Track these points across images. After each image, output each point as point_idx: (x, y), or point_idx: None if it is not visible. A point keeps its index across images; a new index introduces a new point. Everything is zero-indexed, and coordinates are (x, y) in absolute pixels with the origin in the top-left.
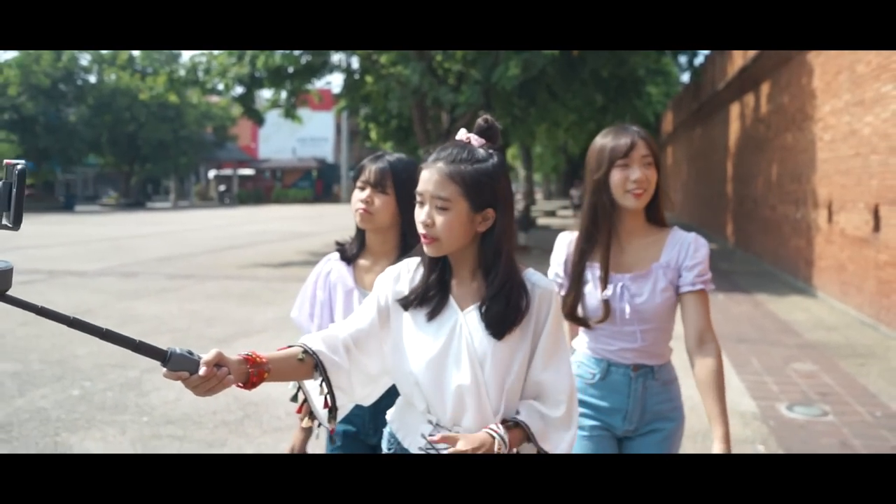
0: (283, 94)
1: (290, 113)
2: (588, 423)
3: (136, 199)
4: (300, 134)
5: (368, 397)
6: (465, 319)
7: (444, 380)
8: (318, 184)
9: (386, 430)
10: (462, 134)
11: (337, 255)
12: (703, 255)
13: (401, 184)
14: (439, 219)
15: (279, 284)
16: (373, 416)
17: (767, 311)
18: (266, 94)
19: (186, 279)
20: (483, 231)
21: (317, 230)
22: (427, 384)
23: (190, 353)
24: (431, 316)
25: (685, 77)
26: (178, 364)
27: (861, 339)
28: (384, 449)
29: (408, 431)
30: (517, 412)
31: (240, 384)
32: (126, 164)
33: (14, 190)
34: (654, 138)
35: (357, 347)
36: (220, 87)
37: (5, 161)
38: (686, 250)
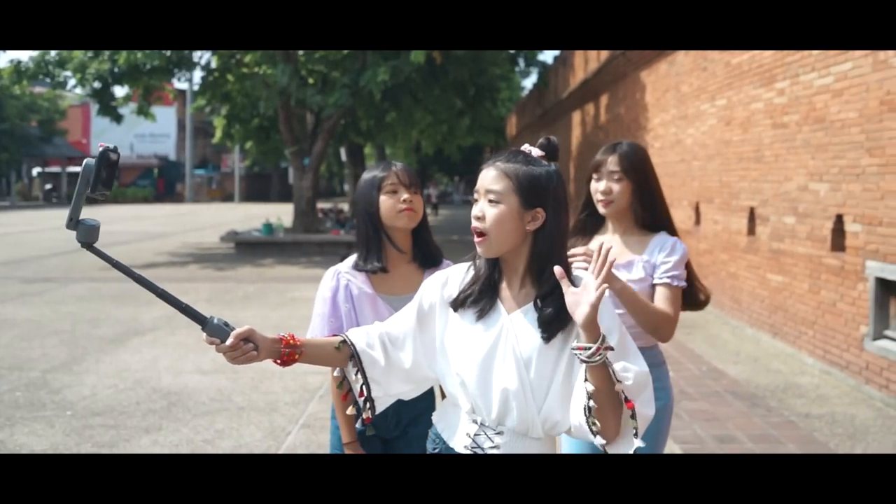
0: (123, 92)
1: (143, 110)
2: None
3: None
4: (138, 130)
5: (408, 394)
6: (511, 322)
7: (490, 381)
8: (160, 182)
9: (431, 431)
10: (525, 147)
11: (343, 266)
12: (678, 255)
13: (419, 183)
14: (490, 211)
15: None
16: (395, 410)
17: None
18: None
19: (46, 282)
20: (533, 231)
21: (170, 230)
22: (473, 385)
23: (226, 324)
24: (479, 317)
25: (526, 82)
26: (214, 331)
27: (687, 314)
28: (428, 449)
29: (452, 431)
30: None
31: (276, 360)
32: None
33: (98, 166)
34: (504, 141)
35: (393, 345)
36: (73, 81)
37: (100, 144)
38: (664, 250)
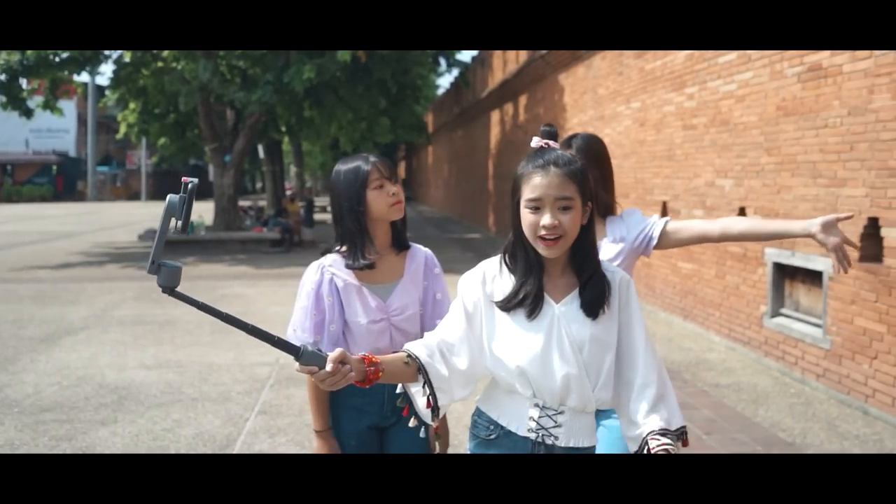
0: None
1: (49, 104)
2: None
3: None
4: (34, 124)
5: (466, 395)
6: (561, 312)
7: (551, 370)
8: (59, 180)
9: (478, 419)
10: (537, 142)
11: (327, 261)
12: (639, 214)
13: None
14: (565, 218)
15: (73, 285)
16: (391, 397)
17: None
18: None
19: None
20: (584, 223)
21: (78, 230)
22: (535, 374)
23: (319, 350)
24: (531, 315)
25: (441, 81)
26: (310, 359)
27: None
28: (483, 436)
29: (513, 416)
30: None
31: (358, 381)
32: None
33: (186, 203)
34: (427, 139)
35: (450, 353)
36: None
37: (183, 178)
38: (626, 222)
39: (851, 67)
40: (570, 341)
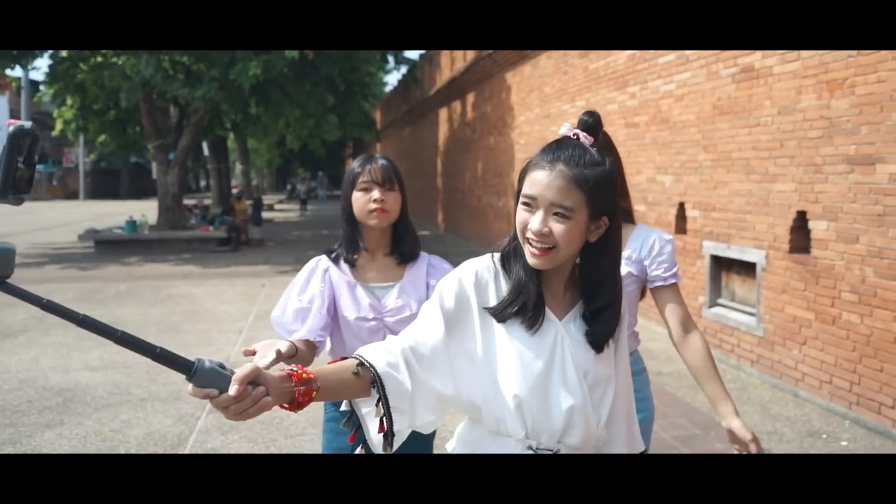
0: None
1: None
2: None
3: None
4: None
5: (432, 424)
6: (564, 330)
7: (552, 400)
8: None
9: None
10: (567, 129)
11: (321, 257)
12: (669, 250)
13: (401, 179)
14: (558, 227)
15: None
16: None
17: None
18: None
19: None
20: (594, 241)
21: (12, 230)
22: (533, 407)
23: (221, 366)
24: (530, 328)
25: (388, 78)
26: (206, 380)
27: None
28: None
29: None
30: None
31: (285, 405)
32: None
33: (4, 154)
34: (376, 136)
35: (420, 364)
36: None
37: (7, 121)
38: (651, 246)
39: (781, 69)
40: (576, 365)
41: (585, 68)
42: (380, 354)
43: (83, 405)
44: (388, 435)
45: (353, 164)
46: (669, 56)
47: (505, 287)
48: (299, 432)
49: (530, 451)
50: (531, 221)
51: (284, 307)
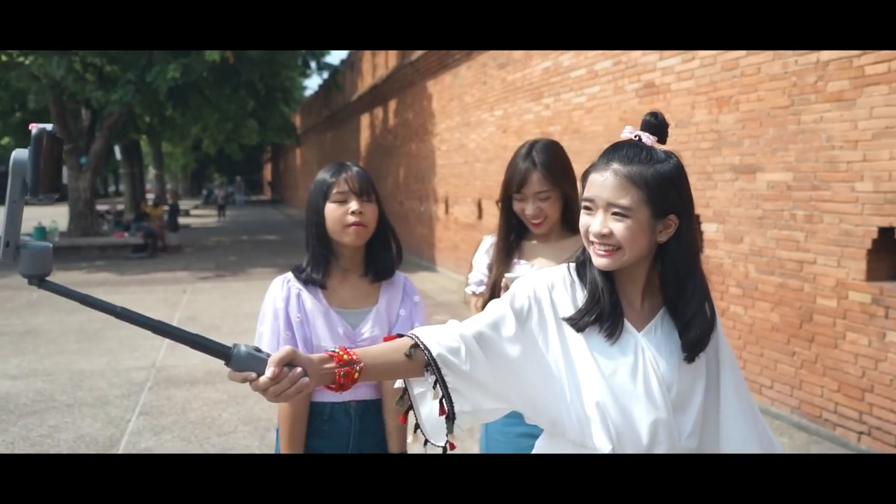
0: None
1: None
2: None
3: None
4: None
5: (496, 412)
6: (645, 342)
7: (636, 413)
8: None
9: None
10: (628, 132)
11: (289, 277)
12: None
13: (376, 189)
14: (618, 227)
15: None
16: (356, 442)
17: None
18: None
19: None
20: (664, 242)
21: None
22: (616, 417)
23: (257, 350)
24: (609, 338)
25: (308, 83)
26: (244, 363)
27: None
28: None
29: None
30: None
31: (330, 386)
32: None
33: (34, 156)
34: (297, 141)
35: (487, 355)
36: None
37: (31, 125)
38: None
39: (677, 86)
40: (658, 378)
41: (504, 79)
42: (437, 337)
43: (6, 413)
44: (450, 418)
45: (323, 174)
46: (580, 71)
47: (581, 297)
48: (231, 430)
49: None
50: (592, 224)
51: (271, 347)
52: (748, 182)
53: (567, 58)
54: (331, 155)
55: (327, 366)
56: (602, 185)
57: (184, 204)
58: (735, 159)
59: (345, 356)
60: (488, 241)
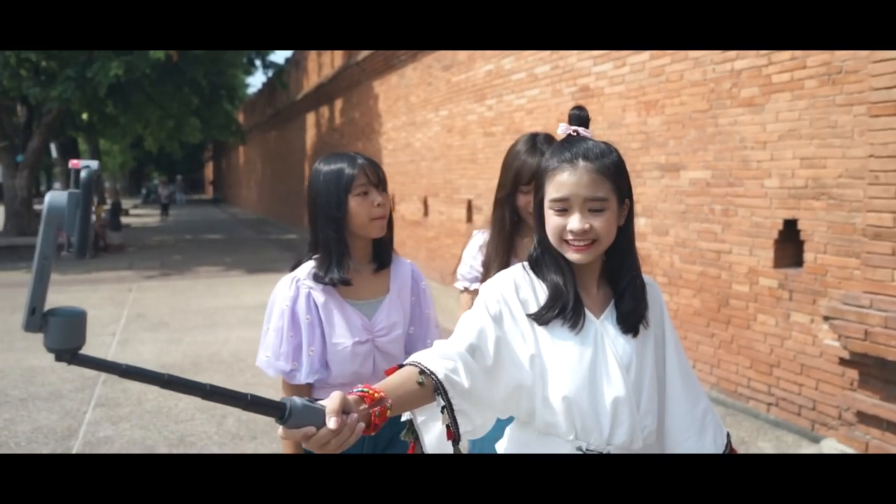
0: None
1: None
2: None
3: None
4: None
5: (482, 428)
6: (603, 328)
7: (599, 396)
8: None
9: None
10: (564, 129)
11: (301, 273)
12: None
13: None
14: (597, 221)
15: None
16: (373, 445)
17: None
18: None
19: None
20: (621, 225)
21: None
22: (583, 404)
23: (311, 401)
24: (573, 328)
25: (251, 80)
26: (302, 418)
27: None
28: None
29: None
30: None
31: (366, 430)
32: None
33: (81, 205)
34: (241, 139)
35: (481, 366)
36: None
37: (72, 163)
38: None
39: (610, 90)
40: (617, 360)
41: (448, 81)
42: (437, 360)
43: None
44: (456, 440)
45: (335, 166)
46: (521, 74)
47: (541, 293)
48: (189, 418)
49: (579, 452)
50: (570, 223)
51: (274, 348)
52: (673, 179)
53: (509, 61)
54: (276, 153)
55: (362, 408)
56: (577, 183)
57: (123, 203)
58: (661, 158)
59: (375, 395)
60: (480, 237)
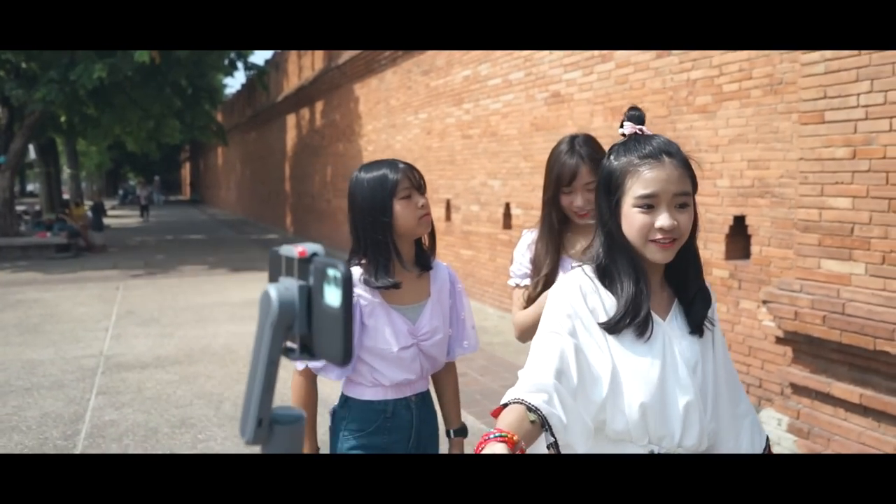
0: None
1: None
2: None
3: None
4: None
5: (585, 449)
6: (670, 330)
7: (671, 401)
8: None
9: None
10: (630, 128)
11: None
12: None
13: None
14: (682, 217)
15: None
16: (419, 425)
17: None
18: None
19: None
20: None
21: None
22: (655, 413)
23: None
24: (641, 334)
25: (230, 80)
26: None
27: None
28: None
29: None
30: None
31: None
32: None
33: (307, 296)
34: (224, 141)
35: (568, 391)
36: None
37: (299, 252)
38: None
39: (580, 96)
40: (685, 363)
41: (427, 85)
42: (536, 394)
43: None
44: None
45: (380, 172)
46: (497, 80)
47: (608, 299)
48: (188, 403)
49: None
50: (658, 220)
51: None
52: None
53: (485, 67)
54: (256, 154)
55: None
56: (667, 179)
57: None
58: None
59: (513, 438)
60: (529, 236)
